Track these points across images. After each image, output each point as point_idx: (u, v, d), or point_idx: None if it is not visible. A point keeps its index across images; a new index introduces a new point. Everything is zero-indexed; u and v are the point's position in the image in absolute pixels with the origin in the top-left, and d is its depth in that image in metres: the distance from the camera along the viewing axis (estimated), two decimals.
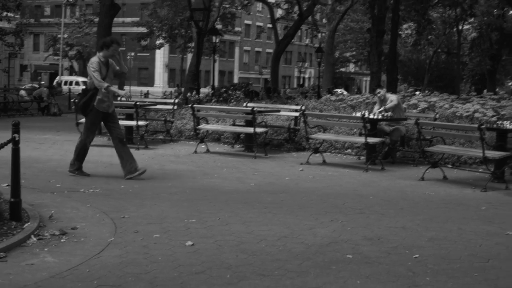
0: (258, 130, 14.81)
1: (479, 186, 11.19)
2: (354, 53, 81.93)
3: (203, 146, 15.57)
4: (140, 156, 14.10)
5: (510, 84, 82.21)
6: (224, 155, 14.93)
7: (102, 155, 14.26)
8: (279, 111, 16.82)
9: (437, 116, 15.19)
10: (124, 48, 77.66)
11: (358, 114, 14.03)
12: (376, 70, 31.52)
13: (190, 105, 17.27)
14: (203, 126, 15.94)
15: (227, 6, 56.64)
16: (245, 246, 6.82)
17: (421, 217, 8.56)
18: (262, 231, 7.47)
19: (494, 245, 7.17)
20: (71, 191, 9.72)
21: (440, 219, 8.44)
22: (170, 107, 18.32)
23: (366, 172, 12.69)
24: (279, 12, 62.28)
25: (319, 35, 62.79)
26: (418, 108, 17.75)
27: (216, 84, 38.33)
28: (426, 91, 28.03)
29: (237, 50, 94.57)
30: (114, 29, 34.50)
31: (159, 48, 66.84)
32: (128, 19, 74.46)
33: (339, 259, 6.44)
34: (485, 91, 29.47)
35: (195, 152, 15.00)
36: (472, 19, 56.14)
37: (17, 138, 7.49)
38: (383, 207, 9.17)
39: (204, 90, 43.95)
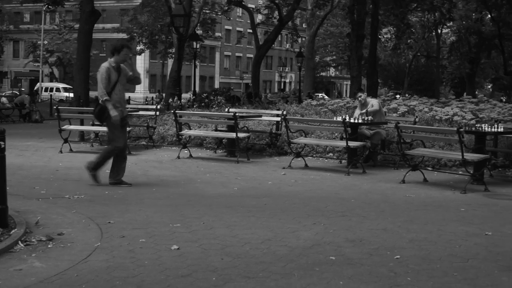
0: (240, 135, 14.94)
1: (459, 188, 11.37)
2: (334, 57, 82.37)
3: (186, 151, 15.68)
4: None
5: (489, 87, 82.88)
6: (207, 160, 15.04)
7: (85, 161, 14.26)
8: (260, 116, 16.96)
9: (417, 119, 15.38)
10: (104, 54, 77.67)
11: (339, 119, 14.19)
12: (356, 74, 31.74)
13: (172, 111, 17.38)
14: (186, 132, 16.05)
15: (207, 11, 56.81)
16: (230, 249, 6.94)
17: (402, 219, 8.72)
18: (246, 235, 7.59)
19: (473, 246, 7.33)
20: (56, 197, 9.80)
21: (421, 221, 8.60)
22: (152, 113, 18.41)
23: (347, 176, 12.84)
24: (259, 17, 62.54)
25: (299, 39, 63.00)
26: (398, 112, 17.95)
27: (197, 89, 38.40)
28: (406, 95, 28.31)
29: (217, 55, 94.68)
30: (95, 35, 34.49)
31: (139, 54, 66.82)
32: (108, 25, 74.40)
33: (322, 260, 6.57)
34: (464, 94, 29.80)
35: (178, 157, 15.10)
36: (450, 23, 56.62)
37: (2, 146, 7.54)
38: (364, 210, 9.32)
39: (186, 96, 43.99)
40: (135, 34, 60.11)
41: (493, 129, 12.32)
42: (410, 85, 68.26)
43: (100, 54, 76.64)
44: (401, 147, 12.83)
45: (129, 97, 54.89)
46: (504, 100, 44.90)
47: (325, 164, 14.68)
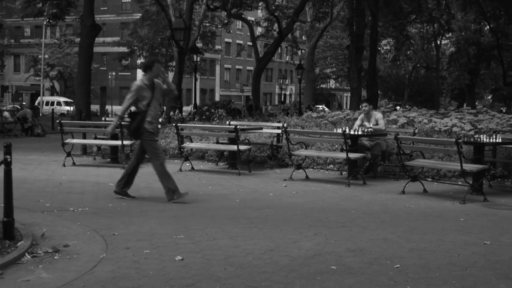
0: (242, 147, 15.09)
1: (458, 198, 11.51)
2: (334, 69, 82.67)
3: (188, 164, 15.82)
4: None
5: (489, 97, 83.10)
6: (209, 172, 15.17)
7: (89, 174, 14.51)
8: (261, 128, 17.11)
9: (416, 131, 15.52)
10: (104, 68, 77.95)
11: (339, 130, 14.33)
12: (356, 86, 31.94)
13: (173, 124, 17.53)
14: (187, 145, 16.20)
15: (207, 25, 57.06)
16: (233, 259, 7.07)
17: (402, 229, 8.85)
18: (249, 245, 7.73)
19: (472, 254, 7.46)
20: (60, 210, 9.93)
21: (420, 231, 8.73)
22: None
23: (348, 187, 12.98)
24: (259, 30, 62.83)
25: (299, 52, 63.24)
26: (398, 124, 18.09)
27: (197, 102, 38.58)
28: (407, 106, 28.46)
29: (217, 68, 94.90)
30: (95, 49, 34.71)
31: (140, 67, 67.05)
32: (109, 39, 74.64)
33: (324, 270, 6.70)
34: (457, 105, 29.96)
35: (180, 170, 15.23)
36: (449, 34, 56.90)
37: (9, 159, 7.69)
38: (365, 220, 9.45)
39: (187, 109, 44.17)
40: (135, 48, 60.32)
41: (491, 140, 12.46)
42: (410, 97, 68.50)
43: (101, 68, 76.98)
44: (400, 158, 12.97)
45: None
46: (504, 110, 45.10)
47: (325, 176, 14.81)
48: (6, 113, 32.13)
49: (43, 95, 72.48)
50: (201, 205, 10.64)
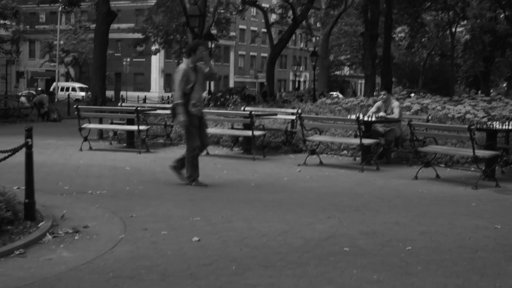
0: (256, 133, 15.24)
1: (470, 184, 11.63)
2: (348, 56, 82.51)
3: None
4: (142, 159, 14.60)
5: (504, 85, 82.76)
6: (224, 157, 15.35)
7: (106, 158, 14.71)
8: (276, 114, 17.26)
9: (430, 117, 15.63)
10: (119, 54, 78.18)
11: (353, 117, 14.46)
12: (371, 73, 32.02)
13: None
14: None
15: (222, 11, 57.12)
16: (248, 241, 7.26)
17: (414, 213, 9.00)
18: (264, 228, 7.91)
19: (483, 238, 7.61)
20: (79, 193, 10.14)
21: (432, 215, 8.89)
22: (168, 111, 18.71)
23: (361, 172, 13.13)
24: (273, 17, 62.81)
25: (314, 39, 63.22)
26: (411, 110, 18.19)
27: (212, 88, 38.74)
28: (421, 93, 28.51)
29: (232, 54, 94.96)
30: (110, 35, 34.91)
31: (155, 53, 67.23)
32: (124, 25, 74.82)
33: (337, 251, 6.87)
34: (475, 92, 29.94)
35: None
36: (464, 22, 56.69)
37: (30, 143, 7.90)
38: (378, 205, 9.61)
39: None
40: (150, 34, 60.47)
41: (504, 127, 12.57)
42: (425, 84, 68.30)
43: (115, 54, 77.21)
44: (414, 145, 13.10)
45: (145, 96, 55.46)
46: None
47: (339, 161, 14.96)
48: (22, 98, 32.41)
49: (58, 81, 72.76)
50: (216, 189, 10.83)
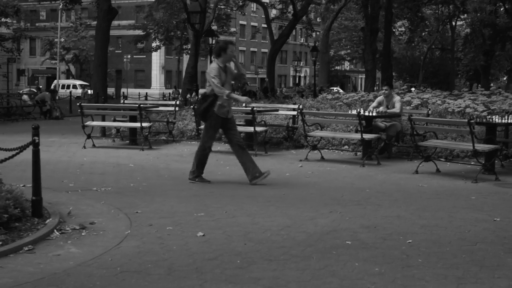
0: (258, 129, 15.39)
1: (470, 178, 11.76)
2: (348, 51, 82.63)
3: None
4: (145, 156, 14.75)
5: (504, 78, 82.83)
6: (225, 153, 15.46)
7: (109, 156, 14.87)
8: (277, 110, 17.39)
9: (430, 112, 15.76)
10: (120, 51, 78.26)
11: (354, 112, 14.59)
12: (371, 68, 32.11)
13: (191, 106, 17.84)
14: None
15: (222, 7, 57.22)
16: (252, 235, 7.40)
17: (414, 207, 9.14)
18: (267, 222, 8.05)
19: (482, 230, 7.75)
20: (84, 190, 10.28)
21: (432, 208, 9.03)
22: (171, 108, 18.90)
23: (362, 167, 13.26)
24: (273, 12, 62.90)
25: (314, 34, 63.31)
26: (412, 105, 18.32)
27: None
28: (421, 88, 28.61)
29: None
30: (110, 32, 34.97)
31: (155, 50, 67.35)
32: (124, 22, 75.01)
33: (339, 245, 7.01)
34: (477, 85, 30.02)
35: None
36: (465, 16, 56.74)
37: (37, 140, 8.04)
38: (379, 199, 9.75)
39: (202, 91, 44.54)
40: (151, 31, 60.59)
41: (504, 121, 12.70)
42: (425, 78, 68.37)
43: (116, 51, 77.26)
44: (414, 139, 13.24)
45: (146, 93, 55.55)
46: None
47: (340, 156, 15.10)
48: (25, 96, 32.53)
49: (59, 78, 72.93)
50: (219, 185, 10.96)
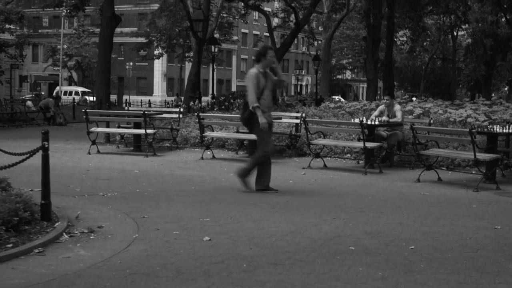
0: None
1: (472, 186, 11.91)
2: (350, 60, 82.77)
3: (209, 152, 16.31)
4: (150, 162, 14.89)
5: (506, 89, 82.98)
6: (229, 161, 15.63)
7: (114, 162, 15.02)
8: (280, 118, 17.53)
9: (432, 121, 15.91)
10: (122, 58, 78.50)
11: (357, 120, 14.75)
12: (373, 77, 32.25)
13: (195, 114, 18.01)
14: (209, 134, 16.66)
15: (225, 15, 57.42)
16: (257, 240, 7.54)
17: (417, 214, 9.28)
18: (272, 228, 8.19)
19: (483, 238, 7.88)
20: (91, 194, 10.43)
21: (434, 216, 9.16)
22: (175, 115, 19.07)
23: (365, 175, 13.41)
24: (275, 21, 63.11)
25: (316, 43, 63.50)
26: (414, 114, 18.47)
27: (215, 92, 39.07)
28: (423, 97, 28.77)
29: (234, 58, 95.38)
30: (113, 39, 35.23)
31: (158, 58, 67.57)
32: (126, 29, 75.27)
33: (343, 250, 7.15)
34: (478, 96, 30.16)
35: (202, 158, 15.73)
36: (466, 26, 56.94)
37: (46, 145, 8.19)
38: (381, 206, 9.89)
39: (204, 99, 44.67)
40: (153, 38, 60.81)
41: (505, 130, 12.85)
42: (427, 88, 68.59)
43: (118, 58, 77.50)
44: (416, 148, 13.38)
45: (149, 100, 55.75)
46: None
47: (343, 165, 15.25)
48: (29, 102, 32.76)
49: (61, 85, 73.14)
50: (224, 191, 11.10)
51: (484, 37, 53.49)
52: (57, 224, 7.91)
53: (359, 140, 14.85)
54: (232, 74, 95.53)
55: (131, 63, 71.91)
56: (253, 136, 15.43)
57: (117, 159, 15.58)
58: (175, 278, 6.07)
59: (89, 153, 16.53)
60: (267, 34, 58.73)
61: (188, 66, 63.77)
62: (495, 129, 12.93)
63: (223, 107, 28.74)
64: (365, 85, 50.45)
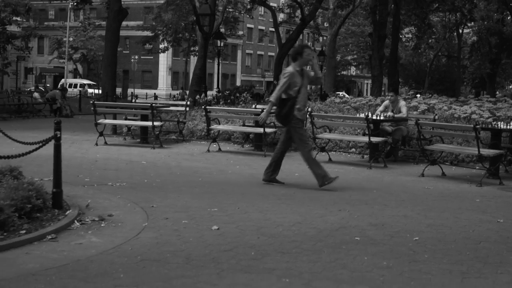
0: (268, 130, 15.68)
1: (475, 181, 12.06)
2: (355, 56, 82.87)
3: (215, 145, 16.47)
4: (157, 154, 15.06)
5: (510, 87, 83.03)
6: (235, 153, 15.79)
7: (121, 153, 15.19)
8: None
9: (436, 117, 16.05)
10: (127, 51, 78.65)
11: (362, 115, 14.89)
12: (378, 73, 32.40)
13: (202, 107, 18.17)
14: (216, 127, 16.83)
15: (231, 10, 57.53)
16: (265, 230, 7.70)
17: (421, 207, 9.44)
18: (278, 218, 8.35)
19: (486, 230, 8.04)
20: (100, 184, 10.60)
21: (438, 209, 9.32)
22: (181, 108, 19.23)
23: (369, 169, 13.56)
24: (281, 16, 63.19)
25: (321, 38, 63.62)
26: (419, 110, 18.61)
27: (220, 87, 39.20)
28: (427, 94, 28.89)
29: (239, 53, 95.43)
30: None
31: (163, 51, 67.69)
32: (132, 23, 75.26)
33: (348, 240, 7.31)
34: (482, 93, 30.26)
35: (208, 151, 15.89)
36: (471, 24, 57.01)
37: (58, 135, 8.35)
38: (386, 199, 10.05)
39: (209, 93, 44.84)
40: (159, 32, 60.92)
41: (509, 127, 12.99)
42: (431, 85, 68.64)
43: (124, 51, 77.60)
44: (420, 143, 13.53)
45: (155, 93, 55.89)
46: None
47: (348, 159, 15.40)
48: (36, 94, 32.93)
49: (67, 77, 73.32)
50: (231, 183, 11.26)
51: (489, 35, 53.56)
52: (68, 212, 8.08)
53: (364, 134, 14.99)
54: (237, 68, 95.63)
55: (137, 57, 72.04)
56: (259, 130, 15.67)
57: (124, 151, 15.75)
58: (185, 265, 6.22)
59: (96, 144, 16.70)
60: (273, 29, 58.89)
61: (193, 60, 63.86)
62: (499, 125, 13.07)
63: (228, 101, 28.89)
64: (369, 81, 50.61)
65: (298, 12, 49.56)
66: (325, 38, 68.67)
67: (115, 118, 19.04)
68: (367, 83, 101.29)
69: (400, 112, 15.04)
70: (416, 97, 25.69)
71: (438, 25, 61.28)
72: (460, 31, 63.60)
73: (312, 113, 15.52)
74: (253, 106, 19.13)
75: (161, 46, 65.16)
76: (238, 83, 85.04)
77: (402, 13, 39.14)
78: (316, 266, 6.27)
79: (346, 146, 16.38)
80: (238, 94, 29.20)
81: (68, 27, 70.62)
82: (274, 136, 16.34)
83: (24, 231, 7.09)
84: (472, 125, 12.43)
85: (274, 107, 11.04)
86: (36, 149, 8.43)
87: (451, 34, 64.92)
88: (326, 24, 68.99)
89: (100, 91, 41.29)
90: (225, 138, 18.10)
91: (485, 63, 55.80)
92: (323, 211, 8.91)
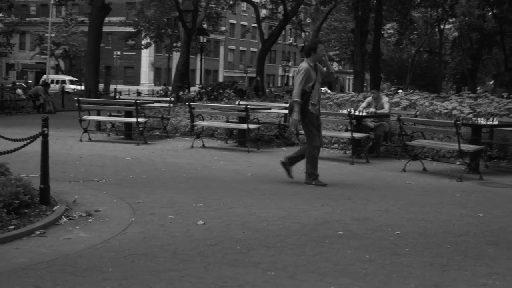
0: (251, 126, 15.82)
1: (456, 176, 12.26)
2: (337, 52, 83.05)
3: (199, 141, 16.60)
4: (141, 150, 15.17)
5: (491, 82, 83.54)
6: (219, 149, 15.92)
7: (106, 149, 15.28)
8: (270, 108, 17.84)
9: (418, 113, 16.25)
10: (109, 47, 78.45)
11: (344, 111, 15.06)
12: (360, 69, 32.63)
13: (185, 103, 18.28)
14: (200, 123, 16.94)
15: (213, 6, 57.58)
16: (249, 225, 7.84)
17: (402, 202, 9.61)
18: (263, 213, 8.50)
19: (466, 224, 8.22)
20: (86, 180, 10.71)
21: (419, 204, 9.50)
22: (165, 105, 19.33)
23: (352, 165, 13.73)
24: (263, 12, 63.28)
25: (303, 34, 63.80)
26: (400, 106, 18.81)
27: (202, 83, 39.28)
28: (409, 90, 29.11)
29: (222, 49, 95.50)
30: None
31: (146, 47, 67.62)
32: (114, 18, 75.13)
33: (332, 235, 7.47)
34: (463, 89, 30.52)
35: (192, 147, 16.01)
36: (453, 19, 57.38)
37: (46, 132, 8.46)
38: (368, 194, 10.22)
39: (192, 88, 44.86)
40: (142, 28, 60.87)
41: (489, 123, 13.19)
42: (413, 80, 68.95)
43: (106, 47, 77.41)
44: (402, 139, 13.72)
45: (138, 90, 55.88)
46: (505, 96, 45.66)
47: (330, 155, 15.56)
48: (19, 90, 32.88)
49: (48, 73, 73.07)
50: (215, 178, 11.40)
51: (470, 31, 53.96)
52: (55, 207, 8.19)
53: (346, 130, 15.17)
54: (220, 64, 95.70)
55: (119, 53, 71.88)
56: (242, 126, 15.81)
57: (109, 147, 15.84)
58: (172, 259, 6.35)
59: (81, 140, 16.79)
60: (255, 25, 59.00)
61: (175, 56, 63.81)
62: (479, 121, 13.27)
63: (212, 97, 29.00)
64: (351, 77, 50.79)
65: (281, 8, 49.66)
66: (307, 33, 68.82)
67: (99, 115, 19.11)
68: (349, 79, 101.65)
69: (382, 108, 15.23)
70: (398, 92, 25.90)
71: (420, 21, 61.59)
72: (442, 27, 63.94)
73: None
74: (237, 102, 19.24)
75: (144, 42, 65.13)
76: (220, 79, 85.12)
77: (384, 9, 39.39)
78: (300, 260, 6.42)
79: (328, 142, 16.54)
80: (221, 90, 29.33)
81: (50, 23, 70.37)
82: (257, 132, 16.49)
83: (12, 227, 7.19)
84: (453, 121, 12.62)
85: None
86: (25, 145, 8.53)
87: (433, 30, 65.29)
88: (308, 20, 69.20)
89: (83, 87, 41.26)
90: (209, 134, 18.23)
91: (466, 58, 56.19)
92: (306, 206, 9.06)
